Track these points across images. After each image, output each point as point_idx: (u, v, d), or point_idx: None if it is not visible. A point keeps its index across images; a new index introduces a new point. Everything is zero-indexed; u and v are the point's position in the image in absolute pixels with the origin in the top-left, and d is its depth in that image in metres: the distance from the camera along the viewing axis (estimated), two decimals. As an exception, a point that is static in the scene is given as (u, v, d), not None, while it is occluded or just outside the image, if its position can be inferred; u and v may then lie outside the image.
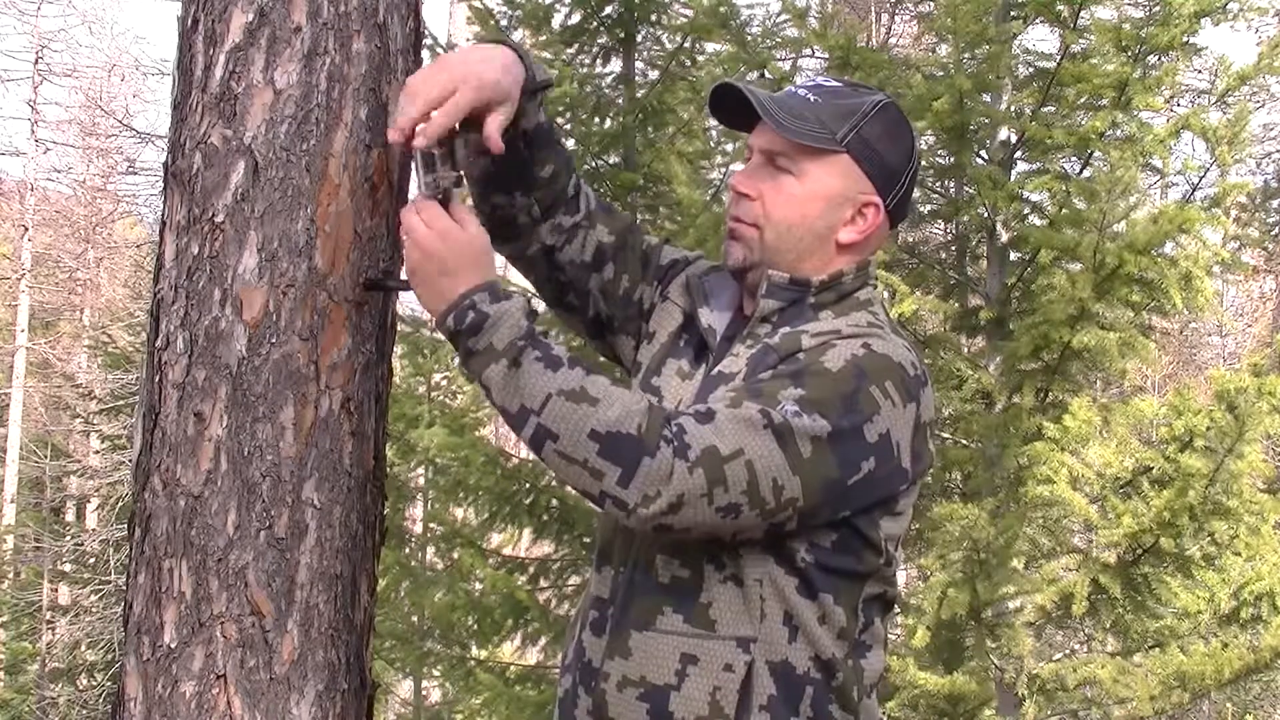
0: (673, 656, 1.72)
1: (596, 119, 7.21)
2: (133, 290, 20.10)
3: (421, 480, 9.29)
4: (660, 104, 7.14)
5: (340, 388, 1.78)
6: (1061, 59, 5.97)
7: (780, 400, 1.65)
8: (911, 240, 7.39)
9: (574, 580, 7.40)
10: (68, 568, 15.98)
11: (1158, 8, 6.11)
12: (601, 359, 2.11)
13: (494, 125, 1.78)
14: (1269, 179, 18.32)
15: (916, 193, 5.94)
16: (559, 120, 7.03)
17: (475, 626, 7.14)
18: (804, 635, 1.72)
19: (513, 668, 7.42)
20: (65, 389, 19.80)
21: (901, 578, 10.54)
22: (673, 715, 1.70)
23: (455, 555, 7.56)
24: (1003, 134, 6.14)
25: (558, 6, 7.14)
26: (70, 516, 20.03)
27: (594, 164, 7.10)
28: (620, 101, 7.17)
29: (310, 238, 1.76)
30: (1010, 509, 5.59)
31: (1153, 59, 5.83)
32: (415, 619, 8.33)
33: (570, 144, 6.84)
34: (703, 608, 1.72)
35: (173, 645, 1.73)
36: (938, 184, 6.66)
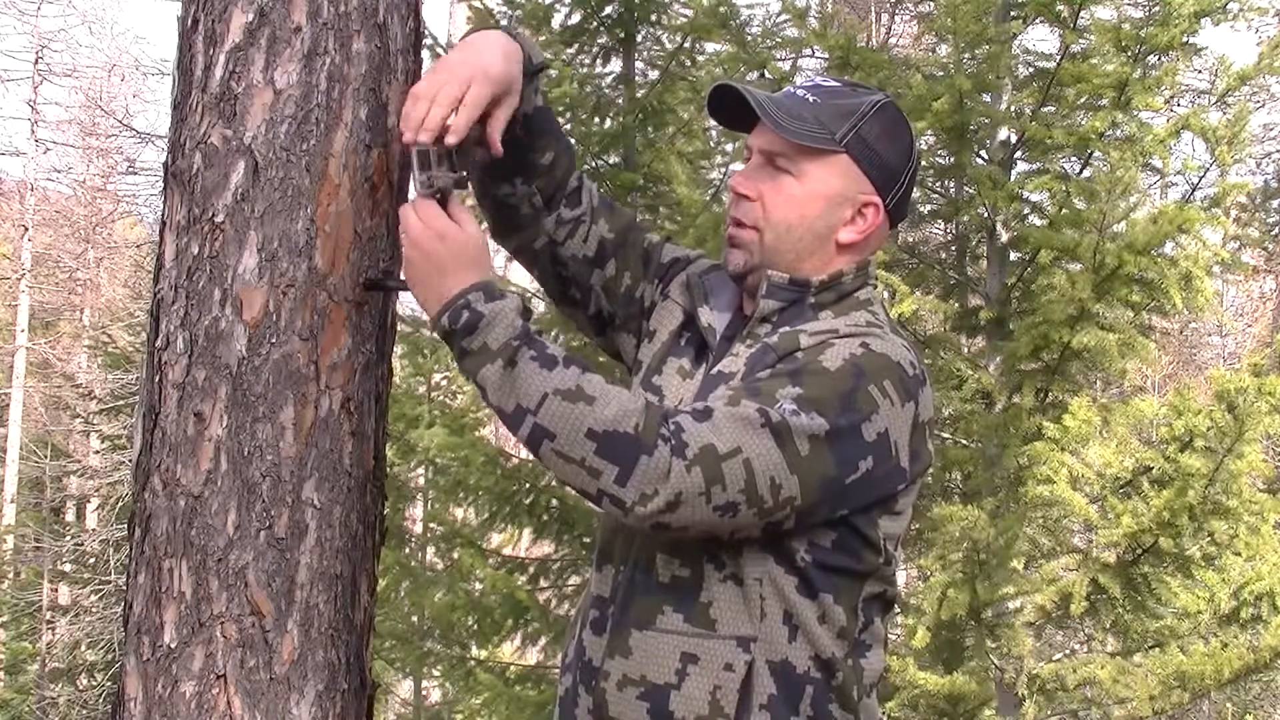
0: (673, 656, 1.72)
1: (596, 119, 7.21)
2: (133, 290, 20.10)
3: (421, 480, 9.29)
4: (660, 104, 7.14)
5: (340, 388, 1.79)
6: (1061, 59, 5.97)
7: (778, 399, 1.65)
8: (911, 240, 7.39)
9: (574, 580, 7.40)
10: (68, 568, 15.98)
11: (1158, 8, 6.11)
12: (603, 358, 2.11)
13: (497, 125, 1.78)
14: (1269, 179, 18.31)
15: (916, 193, 5.97)
16: (559, 121, 7.02)
17: (475, 626, 7.14)
18: (804, 634, 1.72)
19: (513, 668, 7.42)
20: (65, 389, 19.80)
21: (901, 578, 10.54)
22: (673, 714, 1.71)
23: (455, 555, 7.56)
24: (1003, 134, 6.14)
25: (558, 6, 7.14)
26: (70, 516, 20.03)
27: (594, 164, 7.10)
28: (620, 101, 7.17)
29: (310, 238, 1.76)
30: (1010, 509, 5.59)
31: (1153, 59, 5.83)
32: (415, 619, 8.33)
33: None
34: (703, 607, 1.72)
35: (173, 645, 1.73)
36: (938, 184, 6.66)
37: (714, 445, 1.62)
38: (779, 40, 6.85)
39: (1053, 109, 6.10)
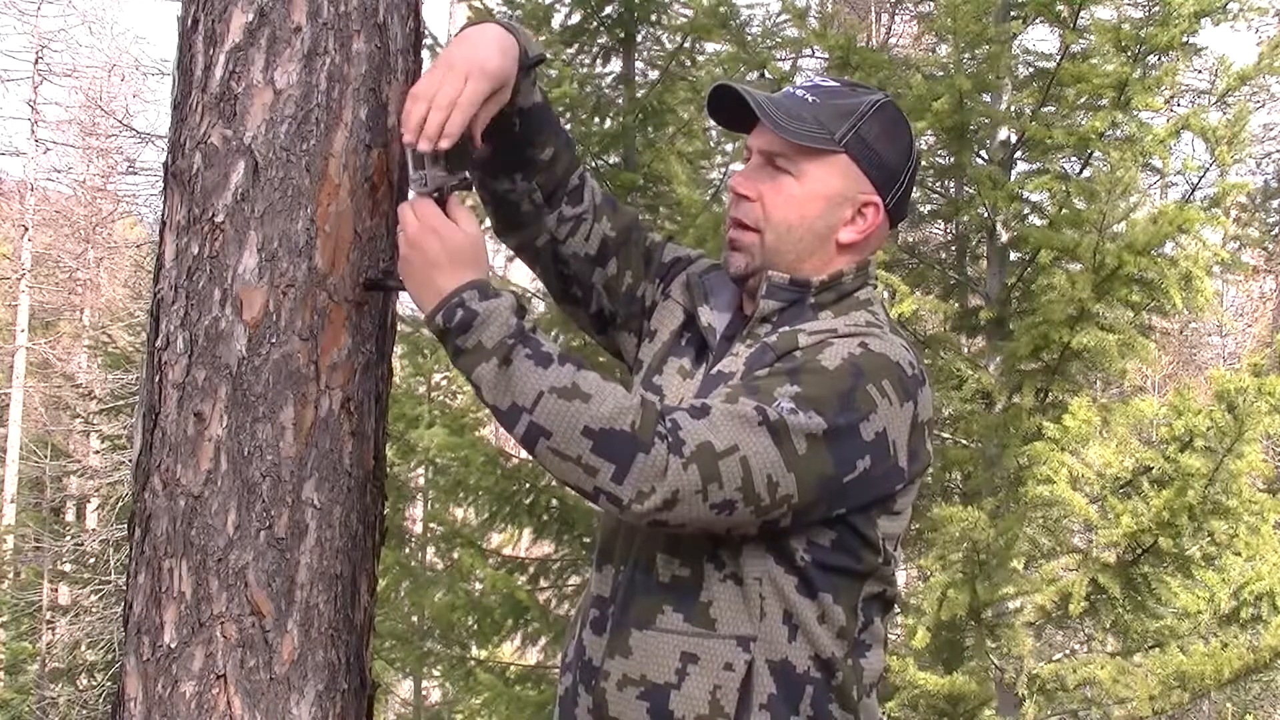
0: (673, 655, 1.72)
1: (596, 119, 7.22)
2: (133, 290, 20.09)
3: (421, 480, 9.29)
4: (660, 104, 7.15)
5: (340, 388, 1.79)
6: (1061, 59, 5.97)
7: (776, 397, 1.65)
8: (911, 240, 7.39)
9: (574, 580, 7.40)
10: (68, 568, 15.98)
11: (1158, 8, 6.11)
12: (603, 357, 2.11)
13: (481, 119, 1.78)
14: (1269, 179, 18.31)
15: (916, 192, 5.98)
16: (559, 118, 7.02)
17: (475, 626, 7.15)
18: (804, 634, 1.72)
19: (513, 668, 7.43)
20: (65, 389, 19.80)
21: (901, 578, 10.54)
22: (673, 714, 1.71)
23: (455, 555, 7.56)
24: (1003, 134, 6.15)
25: (558, 6, 7.15)
26: (70, 516, 20.03)
27: (594, 164, 7.10)
28: (620, 101, 7.18)
29: (310, 238, 1.76)
30: (1010, 509, 5.59)
31: (1152, 59, 5.83)
32: (415, 619, 8.33)
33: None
34: (703, 606, 1.72)
35: (173, 645, 1.73)
36: (938, 184, 6.66)
37: (711, 443, 1.62)
38: (779, 40, 6.86)
39: (1053, 109, 6.10)
